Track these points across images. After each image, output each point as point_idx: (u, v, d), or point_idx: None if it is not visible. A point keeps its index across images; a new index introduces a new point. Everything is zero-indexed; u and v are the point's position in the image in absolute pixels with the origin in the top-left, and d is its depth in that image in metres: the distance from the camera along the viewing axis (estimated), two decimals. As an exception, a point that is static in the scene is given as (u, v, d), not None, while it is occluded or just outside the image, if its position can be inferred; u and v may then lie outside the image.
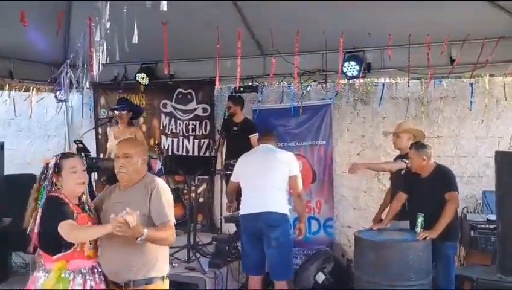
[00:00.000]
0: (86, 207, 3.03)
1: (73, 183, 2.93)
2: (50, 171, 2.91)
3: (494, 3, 4.52)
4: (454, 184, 4.46)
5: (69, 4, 5.33)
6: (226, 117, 6.48)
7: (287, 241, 4.55)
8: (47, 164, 2.95)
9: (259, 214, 4.48)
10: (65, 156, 3.02)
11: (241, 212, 4.68)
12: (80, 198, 3.01)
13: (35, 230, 2.88)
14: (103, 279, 2.97)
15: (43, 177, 2.95)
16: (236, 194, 5.01)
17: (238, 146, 6.06)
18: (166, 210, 3.04)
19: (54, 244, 2.82)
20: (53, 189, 2.92)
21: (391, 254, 4.16)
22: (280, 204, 4.52)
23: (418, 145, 4.55)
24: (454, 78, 5.90)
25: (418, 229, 4.30)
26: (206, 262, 5.04)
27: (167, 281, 3.17)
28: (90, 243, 2.91)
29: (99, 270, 2.96)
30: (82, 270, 2.86)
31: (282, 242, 4.45)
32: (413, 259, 4.09)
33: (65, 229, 2.74)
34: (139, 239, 2.76)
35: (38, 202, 2.91)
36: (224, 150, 6.56)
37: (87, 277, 2.86)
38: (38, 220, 2.86)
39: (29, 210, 2.95)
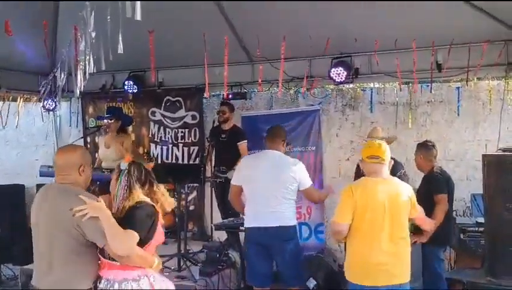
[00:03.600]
0: None
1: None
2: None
3: (478, 8, 4.57)
4: (441, 187, 4.54)
5: (55, 13, 5.31)
6: (214, 125, 6.44)
7: (299, 249, 4.47)
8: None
9: (270, 229, 4.22)
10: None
11: (248, 224, 4.39)
12: None
13: None
14: None
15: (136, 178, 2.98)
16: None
17: (227, 153, 6.04)
18: None
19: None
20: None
21: None
22: (291, 217, 4.30)
23: (420, 145, 4.80)
24: (441, 82, 5.95)
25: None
26: (197, 270, 5.01)
27: None
28: None
29: None
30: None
31: (295, 252, 4.31)
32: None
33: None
34: None
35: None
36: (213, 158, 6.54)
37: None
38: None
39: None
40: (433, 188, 4.54)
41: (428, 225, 3.87)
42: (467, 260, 5.14)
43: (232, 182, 4.55)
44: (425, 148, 4.77)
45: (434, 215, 4.30)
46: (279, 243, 4.25)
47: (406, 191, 3.48)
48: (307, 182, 4.37)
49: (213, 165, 6.38)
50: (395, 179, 3.58)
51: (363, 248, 3.40)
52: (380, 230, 3.35)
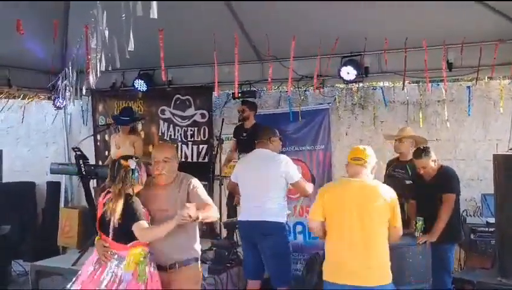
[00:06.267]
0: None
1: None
2: (137, 172, 3.37)
3: (490, 7, 4.53)
4: (451, 186, 4.45)
5: (65, 11, 5.34)
6: (238, 123, 6.46)
7: (284, 249, 4.53)
8: (128, 165, 3.38)
9: (254, 223, 4.51)
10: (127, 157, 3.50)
11: (239, 218, 4.76)
12: None
13: (116, 224, 3.25)
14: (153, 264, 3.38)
15: (124, 176, 3.34)
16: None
17: (247, 151, 6.07)
18: (204, 197, 3.50)
19: (130, 235, 3.25)
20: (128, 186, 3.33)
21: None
22: (275, 213, 4.46)
23: (427, 152, 4.51)
24: (452, 81, 5.91)
25: (417, 233, 4.30)
26: (206, 268, 5.02)
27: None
28: None
29: (152, 254, 3.36)
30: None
31: (278, 251, 4.43)
32: (412, 263, 4.07)
33: (139, 230, 3.22)
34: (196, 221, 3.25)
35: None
36: (223, 156, 6.56)
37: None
38: (117, 215, 3.24)
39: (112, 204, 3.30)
40: (445, 186, 4.45)
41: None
42: (477, 260, 5.09)
43: (231, 177, 4.97)
44: (430, 151, 4.56)
45: (439, 214, 4.27)
46: (260, 237, 4.48)
47: (384, 196, 3.40)
48: (294, 176, 4.55)
49: (222, 163, 6.38)
50: (377, 183, 3.52)
51: (332, 247, 3.48)
52: (349, 231, 3.37)
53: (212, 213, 3.43)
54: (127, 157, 3.51)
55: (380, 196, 3.41)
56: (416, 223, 4.36)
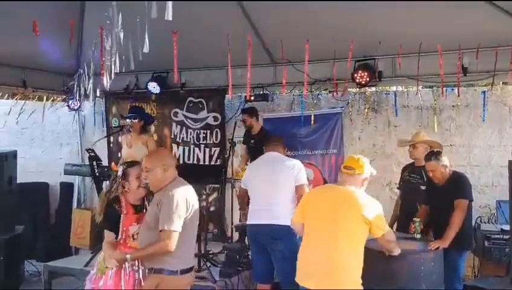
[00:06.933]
0: (145, 208, 3.57)
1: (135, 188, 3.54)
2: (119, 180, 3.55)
3: (505, 11, 4.48)
4: (464, 192, 4.39)
5: (81, 13, 5.39)
6: (246, 130, 6.48)
7: (293, 252, 4.50)
8: (116, 171, 3.64)
9: (263, 226, 4.49)
10: (131, 164, 3.64)
11: (248, 221, 4.72)
12: (144, 199, 3.60)
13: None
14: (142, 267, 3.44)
15: (113, 181, 3.61)
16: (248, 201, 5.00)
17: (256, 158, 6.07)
18: (164, 217, 3.24)
19: None
20: (122, 190, 3.54)
21: (401, 266, 3.96)
22: (284, 216, 4.37)
23: (437, 156, 4.44)
24: (467, 86, 5.86)
25: (416, 235, 4.34)
26: (217, 271, 5.02)
27: (183, 277, 3.37)
28: (134, 238, 3.48)
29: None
30: None
31: (288, 254, 4.36)
32: (424, 270, 3.96)
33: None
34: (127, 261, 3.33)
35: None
36: (235, 159, 6.56)
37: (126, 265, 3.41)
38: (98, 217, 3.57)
39: (99, 204, 3.60)
40: (458, 191, 4.40)
41: (392, 251, 3.70)
42: (491, 268, 5.04)
43: (241, 185, 4.96)
44: (441, 156, 4.44)
45: (451, 220, 4.22)
46: (269, 241, 4.47)
47: (359, 206, 3.37)
48: (302, 179, 4.56)
49: (234, 166, 6.39)
50: (358, 192, 3.49)
51: (301, 249, 3.56)
52: (317, 235, 3.44)
53: (153, 251, 3.25)
54: (133, 163, 3.65)
55: (354, 204, 3.39)
56: (413, 224, 4.39)
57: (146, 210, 3.55)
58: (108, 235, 3.52)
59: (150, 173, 3.39)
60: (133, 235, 3.50)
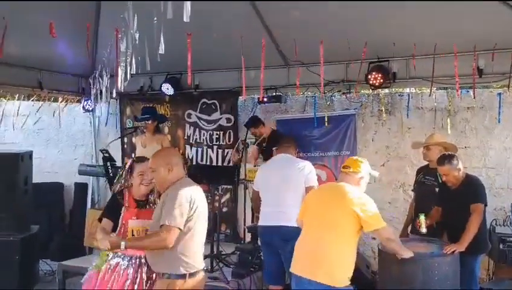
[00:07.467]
0: (148, 205, 3.61)
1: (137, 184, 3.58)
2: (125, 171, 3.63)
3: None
4: (480, 195, 4.34)
5: (96, 15, 5.44)
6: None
7: None
8: (125, 164, 3.73)
9: (274, 227, 4.52)
10: (139, 160, 3.69)
11: (259, 223, 4.76)
12: (148, 195, 3.63)
13: None
14: (144, 269, 3.46)
15: (121, 172, 3.70)
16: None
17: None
18: (166, 213, 3.18)
19: None
20: (126, 184, 3.62)
21: (415, 269, 3.91)
22: (295, 217, 4.28)
23: (450, 159, 4.36)
24: (482, 88, 5.80)
25: (423, 230, 4.34)
26: (229, 272, 5.04)
27: (193, 280, 3.29)
28: (133, 235, 3.49)
29: (142, 260, 3.46)
30: (119, 253, 3.44)
31: None
32: (439, 275, 3.91)
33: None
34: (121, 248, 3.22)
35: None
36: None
37: (124, 261, 3.46)
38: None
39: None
40: (473, 195, 4.35)
41: (397, 252, 3.76)
42: (506, 270, 4.98)
43: (253, 187, 4.98)
44: (455, 159, 4.37)
45: (468, 225, 4.17)
46: (280, 242, 4.47)
47: (350, 201, 3.47)
48: (312, 181, 4.61)
49: (246, 167, 6.40)
50: (351, 188, 3.57)
51: (297, 241, 3.71)
52: (311, 228, 3.62)
53: (149, 243, 3.22)
54: (143, 159, 3.68)
55: (343, 198, 3.52)
56: (418, 218, 4.39)
57: (148, 207, 3.59)
58: (105, 222, 3.54)
59: (155, 172, 3.39)
60: (132, 231, 3.51)
